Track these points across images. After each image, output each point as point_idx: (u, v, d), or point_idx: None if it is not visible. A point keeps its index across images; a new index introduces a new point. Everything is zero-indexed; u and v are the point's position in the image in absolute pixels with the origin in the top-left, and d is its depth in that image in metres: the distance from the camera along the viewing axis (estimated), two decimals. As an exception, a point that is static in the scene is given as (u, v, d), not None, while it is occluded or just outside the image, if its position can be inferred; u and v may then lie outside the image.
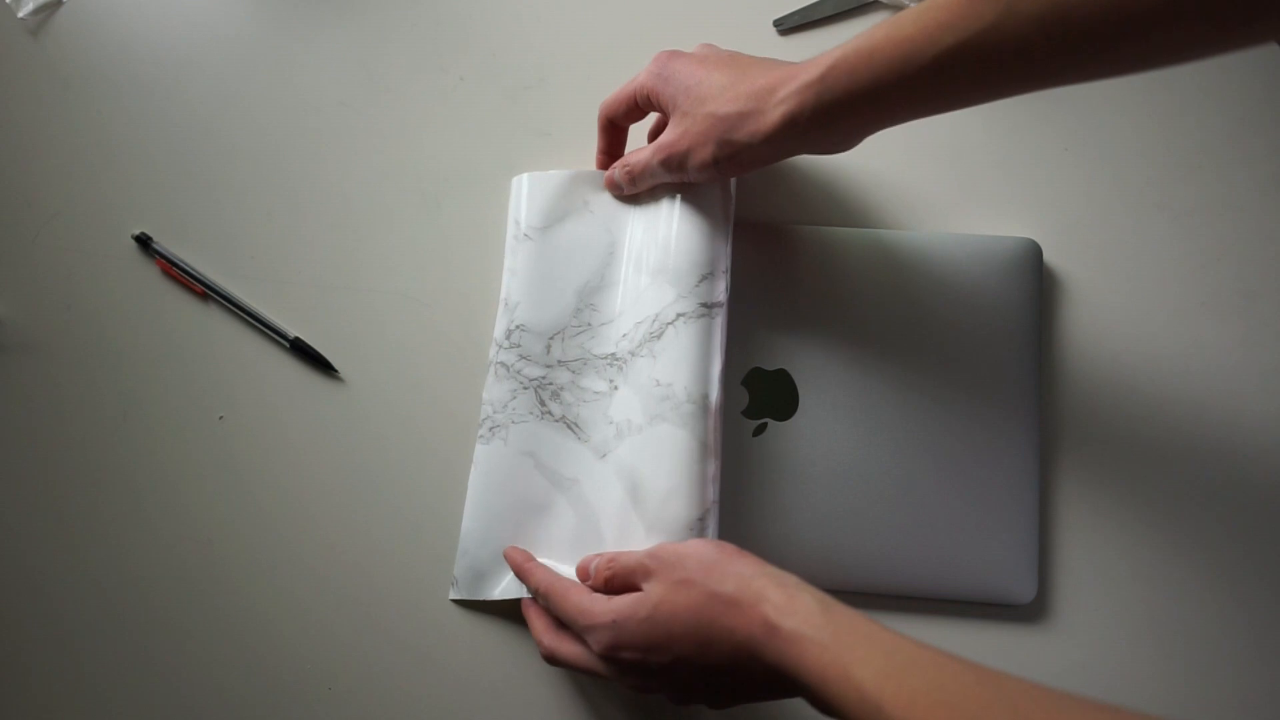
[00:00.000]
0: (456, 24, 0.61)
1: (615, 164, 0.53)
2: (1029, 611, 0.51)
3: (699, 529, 0.47)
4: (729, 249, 0.51)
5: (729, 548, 0.42)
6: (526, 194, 0.56)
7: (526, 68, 0.60)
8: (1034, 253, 0.53)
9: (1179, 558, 0.51)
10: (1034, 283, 0.53)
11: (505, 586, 0.51)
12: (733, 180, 0.52)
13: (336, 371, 0.56)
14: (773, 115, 0.43)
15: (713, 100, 0.46)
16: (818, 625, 0.37)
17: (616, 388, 0.52)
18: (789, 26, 0.59)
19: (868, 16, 0.58)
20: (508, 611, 0.53)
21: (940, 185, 0.56)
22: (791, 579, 0.40)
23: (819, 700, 0.36)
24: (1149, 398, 0.53)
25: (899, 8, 0.57)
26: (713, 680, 0.41)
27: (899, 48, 0.40)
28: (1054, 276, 0.54)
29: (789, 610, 0.38)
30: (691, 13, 0.59)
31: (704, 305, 0.49)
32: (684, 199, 0.51)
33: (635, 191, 0.53)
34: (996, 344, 0.52)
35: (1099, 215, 0.55)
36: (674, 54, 0.49)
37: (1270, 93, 0.55)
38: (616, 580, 0.44)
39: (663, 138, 0.49)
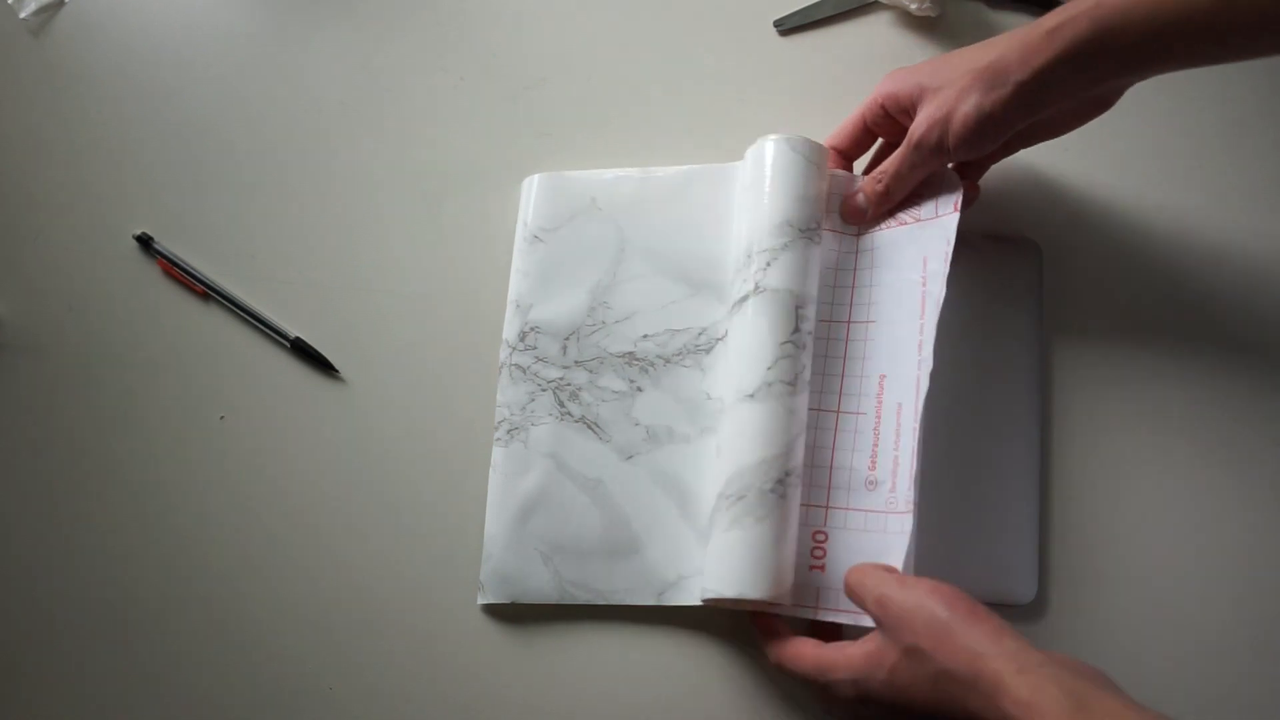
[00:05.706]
0: (457, 24, 0.61)
1: (862, 183, 0.51)
2: (1029, 611, 0.51)
3: None
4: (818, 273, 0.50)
5: (957, 602, 0.39)
6: (536, 195, 0.56)
7: (527, 68, 0.60)
8: (1034, 253, 0.53)
9: (1180, 558, 0.51)
10: (1034, 283, 0.53)
11: (538, 591, 0.51)
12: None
13: (337, 371, 0.56)
14: (1050, 49, 0.40)
15: (968, 59, 0.44)
16: None
17: (640, 389, 0.52)
18: (789, 27, 0.59)
19: (868, 16, 0.58)
20: (509, 612, 0.53)
21: (940, 185, 0.56)
22: (1033, 658, 0.36)
23: None
24: (1149, 398, 0.53)
25: (899, 8, 0.57)
26: None
27: None
28: (1054, 276, 0.54)
29: (1033, 707, 0.34)
30: (692, 13, 0.60)
31: None
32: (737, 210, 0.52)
33: (889, 205, 0.50)
34: (997, 344, 0.52)
35: (1099, 215, 0.55)
36: (897, 69, 0.48)
37: (1270, 93, 0.55)
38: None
39: (916, 121, 0.46)
